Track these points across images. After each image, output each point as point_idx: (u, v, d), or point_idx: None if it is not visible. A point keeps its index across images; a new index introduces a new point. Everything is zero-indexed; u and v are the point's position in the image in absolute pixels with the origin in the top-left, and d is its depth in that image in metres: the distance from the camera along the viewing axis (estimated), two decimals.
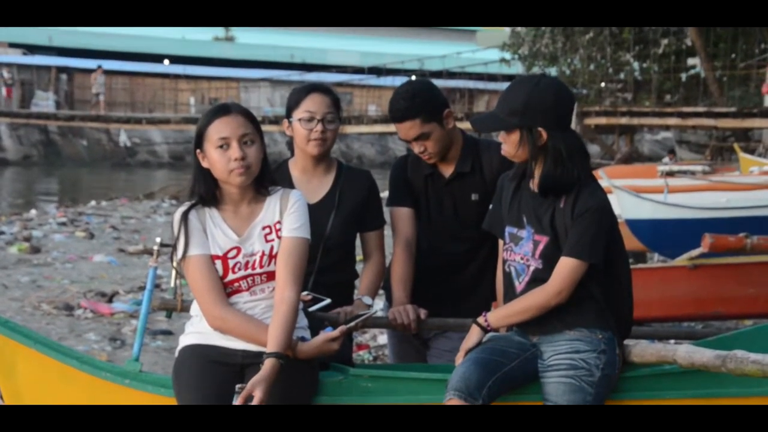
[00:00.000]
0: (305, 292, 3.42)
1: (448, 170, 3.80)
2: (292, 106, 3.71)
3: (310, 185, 3.71)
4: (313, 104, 3.66)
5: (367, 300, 3.61)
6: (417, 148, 3.72)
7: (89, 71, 38.86)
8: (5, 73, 38.09)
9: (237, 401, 2.88)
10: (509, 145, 3.19)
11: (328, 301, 3.44)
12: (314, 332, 3.24)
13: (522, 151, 3.17)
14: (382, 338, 7.11)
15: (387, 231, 3.81)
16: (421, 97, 3.64)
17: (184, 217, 3.15)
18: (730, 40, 25.60)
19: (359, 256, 3.80)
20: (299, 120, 3.66)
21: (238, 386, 2.91)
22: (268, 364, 2.95)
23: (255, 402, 2.88)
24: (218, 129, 3.11)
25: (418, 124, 3.64)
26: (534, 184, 3.21)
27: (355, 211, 3.71)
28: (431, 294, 3.77)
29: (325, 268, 3.58)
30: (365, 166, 37.23)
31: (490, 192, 3.49)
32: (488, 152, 3.77)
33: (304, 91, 3.71)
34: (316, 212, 3.44)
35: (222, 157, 3.10)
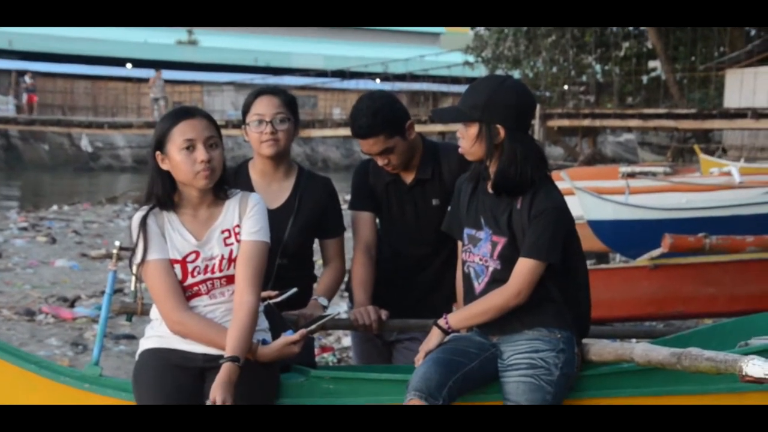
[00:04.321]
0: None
1: (409, 177, 3.82)
2: (244, 111, 3.75)
3: (270, 189, 3.72)
4: (261, 107, 3.68)
5: (323, 301, 3.65)
6: (381, 161, 3.74)
7: (50, 75, 38.46)
8: (27, 79, 37.11)
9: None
10: (466, 139, 3.21)
11: (294, 290, 3.46)
12: (276, 334, 3.24)
13: (478, 147, 3.19)
14: (347, 340, 7.11)
15: (348, 234, 3.83)
16: (383, 114, 3.65)
17: (143, 221, 3.13)
18: (690, 44, 25.94)
19: (318, 260, 3.81)
20: (249, 124, 3.69)
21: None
22: (224, 369, 2.95)
23: (219, 403, 2.88)
24: (183, 131, 3.10)
25: (381, 140, 3.66)
26: (490, 185, 3.24)
27: (313, 217, 3.73)
28: (393, 296, 3.80)
29: (283, 274, 3.59)
30: (330, 170, 36.84)
31: (450, 196, 3.52)
32: (447, 157, 3.79)
33: (253, 95, 3.75)
34: (275, 218, 3.44)
35: (187, 159, 3.09)
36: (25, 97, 37.18)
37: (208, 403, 2.90)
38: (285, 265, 3.61)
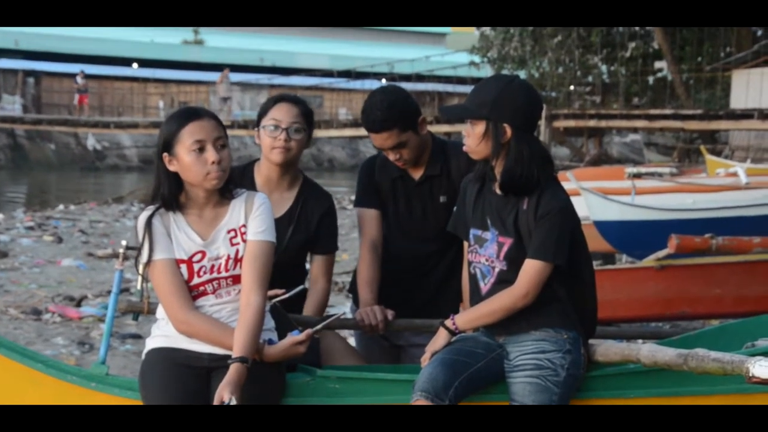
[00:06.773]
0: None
1: (417, 173, 3.82)
2: (261, 114, 3.75)
3: (272, 198, 3.69)
4: (279, 113, 3.68)
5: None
6: (392, 156, 3.73)
7: (56, 75, 38.51)
8: (79, 80, 36.64)
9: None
10: (472, 138, 3.21)
11: (301, 287, 3.45)
12: (282, 334, 3.24)
13: (484, 145, 3.19)
14: (352, 341, 7.10)
15: (354, 233, 3.83)
16: (398, 108, 3.64)
17: (148, 222, 3.14)
18: (696, 44, 25.91)
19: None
20: (264, 128, 3.69)
21: None
22: (233, 369, 2.95)
23: (227, 401, 2.88)
24: (193, 132, 3.09)
25: (395, 134, 3.65)
26: (496, 186, 3.24)
27: (311, 230, 3.73)
28: (399, 295, 3.79)
29: (276, 283, 3.49)
30: (336, 170, 36.78)
31: (458, 193, 3.51)
32: (456, 155, 3.79)
33: (273, 100, 3.75)
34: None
35: (197, 161, 3.09)
36: (76, 97, 36.92)
37: (215, 402, 2.90)
38: (279, 276, 3.51)
